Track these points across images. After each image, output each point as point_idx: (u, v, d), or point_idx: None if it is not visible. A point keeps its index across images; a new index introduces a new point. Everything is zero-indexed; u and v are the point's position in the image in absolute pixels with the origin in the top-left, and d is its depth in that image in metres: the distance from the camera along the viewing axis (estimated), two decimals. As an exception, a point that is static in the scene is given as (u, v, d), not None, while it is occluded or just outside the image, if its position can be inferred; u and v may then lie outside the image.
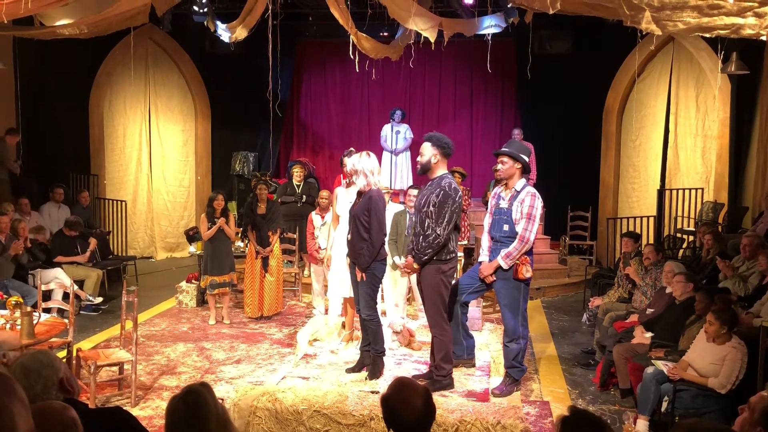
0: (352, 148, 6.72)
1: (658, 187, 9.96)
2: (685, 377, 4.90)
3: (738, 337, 4.84)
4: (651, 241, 9.18)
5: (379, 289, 5.96)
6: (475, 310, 7.21)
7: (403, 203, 7.77)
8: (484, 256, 5.72)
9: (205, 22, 9.00)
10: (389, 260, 6.64)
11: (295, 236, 8.96)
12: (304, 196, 9.65)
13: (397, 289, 7.39)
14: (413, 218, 7.01)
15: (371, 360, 5.73)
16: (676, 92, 9.95)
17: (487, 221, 5.81)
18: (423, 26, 7.09)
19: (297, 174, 9.74)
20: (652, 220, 9.85)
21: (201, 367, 6.38)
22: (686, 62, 9.72)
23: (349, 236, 5.63)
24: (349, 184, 6.54)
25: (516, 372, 5.63)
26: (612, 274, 8.21)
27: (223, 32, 8.76)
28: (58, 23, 6.65)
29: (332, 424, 4.68)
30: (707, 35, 4.37)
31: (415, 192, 7.41)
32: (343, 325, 6.73)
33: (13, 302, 5.45)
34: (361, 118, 12.97)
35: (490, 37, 8.26)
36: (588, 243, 11.05)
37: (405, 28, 8.14)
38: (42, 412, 1.98)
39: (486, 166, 11.70)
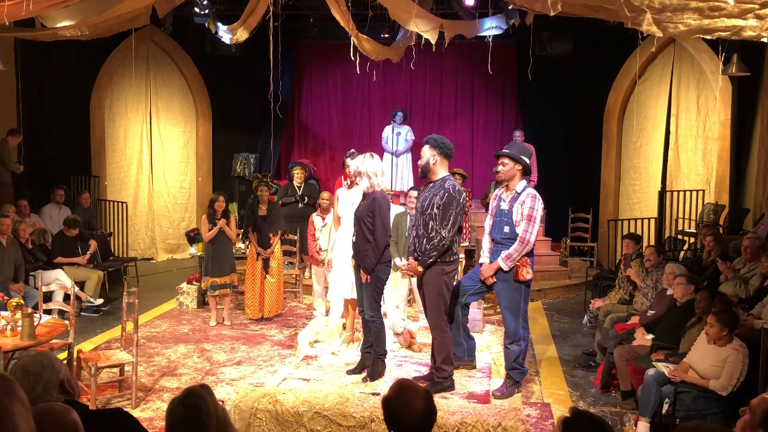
0: (353, 150, 6.74)
1: (659, 189, 9.94)
2: (686, 379, 4.89)
3: (739, 339, 4.83)
4: (652, 242, 9.18)
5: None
6: (475, 311, 7.21)
7: (404, 205, 7.77)
8: (484, 257, 5.72)
9: (206, 24, 9.01)
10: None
11: (296, 238, 8.96)
12: (305, 198, 9.65)
13: (397, 291, 7.39)
14: (414, 220, 7.03)
15: (372, 361, 5.72)
16: (677, 94, 9.95)
17: (487, 223, 5.81)
18: (424, 28, 7.11)
19: (297, 175, 9.74)
20: (653, 221, 9.84)
21: (202, 368, 6.38)
22: (687, 64, 9.72)
23: (354, 238, 5.62)
24: (350, 186, 6.55)
25: (517, 374, 5.63)
26: (613, 276, 8.20)
27: (224, 34, 8.77)
28: (59, 25, 6.65)
29: (333, 425, 4.67)
30: (708, 37, 4.37)
31: (415, 194, 7.41)
32: (344, 327, 6.73)
33: (14, 304, 5.45)
34: (362, 119, 12.97)
35: (491, 39, 8.26)
36: (589, 245, 11.04)
37: (406, 30, 8.15)
38: (43, 414, 1.98)
39: (487, 167, 11.70)
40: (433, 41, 7.24)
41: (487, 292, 5.99)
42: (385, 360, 5.82)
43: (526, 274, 5.44)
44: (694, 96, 9.63)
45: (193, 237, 9.74)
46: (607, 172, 11.36)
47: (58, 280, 7.60)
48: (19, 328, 5.15)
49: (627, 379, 5.63)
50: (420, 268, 5.39)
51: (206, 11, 9.00)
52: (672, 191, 9.70)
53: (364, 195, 5.62)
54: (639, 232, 9.16)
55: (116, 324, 7.56)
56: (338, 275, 6.50)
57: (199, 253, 8.90)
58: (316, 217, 8.21)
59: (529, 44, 8.66)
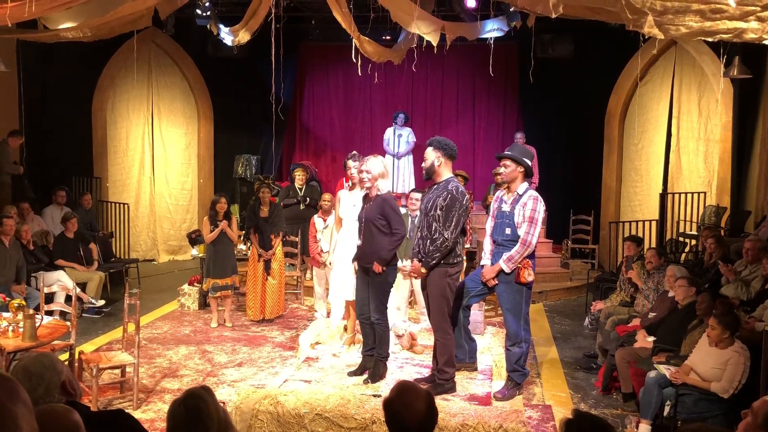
0: (355, 152, 6.74)
1: (661, 191, 9.94)
2: (688, 381, 4.88)
3: (740, 341, 4.83)
4: (653, 245, 9.17)
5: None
6: (477, 313, 7.21)
7: (405, 206, 7.77)
8: (486, 259, 5.72)
9: (208, 26, 9.03)
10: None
11: (297, 239, 8.97)
12: (306, 199, 9.65)
13: (399, 293, 7.38)
14: (415, 221, 7.03)
15: (374, 363, 5.73)
16: (679, 96, 9.95)
17: (489, 224, 5.81)
18: (425, 30, 7.11)
19: (299, 177, 9.74)
20: (654, 223, 9.84)
21: (203, 370, 6.38)
22: (689, 66, 9.72)
23: (360, 242, 5.58)
24: (352, 188, 6.55)
25: (518, 376, 5.62)
26: (614, 278, 8.20)
27: (226, 36, 8.78)
28: (61, 26, 6.66)
29: (334, 427, 4.67)
30: (710, 39, 4.37)
31: (417, 195, 7.42)
32: (345, 329, 6.73)
33: (16, 305, 5.46)
34: (363, 121, 12.97)
35: (492, 41, 8.27)
36: (590, 247, 11.04)
37: (407, 32, 8.15)
38: (45, 416, 1.98)
39: (488, 169, 11.70)
40: (434, 43, 7.24)
41: (488, 294, 5.99)
42: (387, 362, 5.83)
43: (528, 276, 5.43)
44: (696, 98, 9.63)
45: (194, 238, 9.75)
46: (609, 174, 11.36)
47: (60, 281, 7.61)
48: (21, 329, 5.16)
49: (628, 382, 5.62)
50: (423, 270, 5.39)
51: (208, 13, 9.01)
52: (673, 193, 9.69)
53: (366, 197, 5.61)
54: (640, 235, 9.16)
55: (118, 325, 7.56)
56: (340, 277, 6.50)
57: (200, 255, 8.90)
58: (317, 219, 8.21)
59: (531, 46, 8.68)
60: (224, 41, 9.12)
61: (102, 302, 8.40)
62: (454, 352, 5.58)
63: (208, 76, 12.13)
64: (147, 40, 11.13)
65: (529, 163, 5.59)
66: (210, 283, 7.78)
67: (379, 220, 5.47)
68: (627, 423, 5.36)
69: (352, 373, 5.78)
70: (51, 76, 10.22)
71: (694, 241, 8.78)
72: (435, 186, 5.50)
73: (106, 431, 2.57)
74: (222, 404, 2.45)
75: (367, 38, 7.81)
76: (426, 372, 5.96)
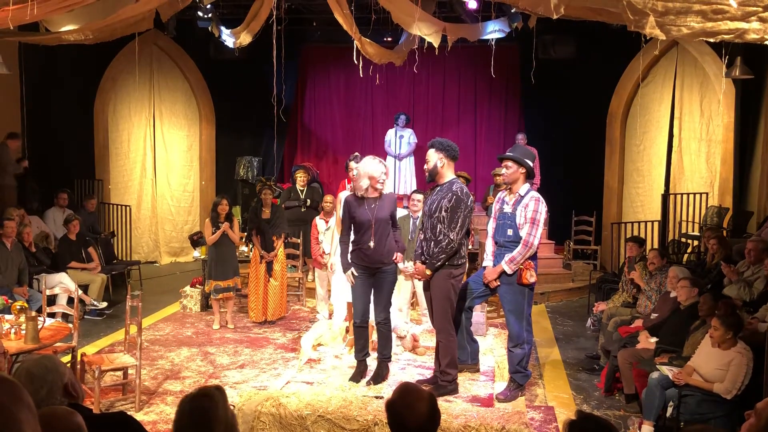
0: (357, 153, 6.74)
1: (663, 192, 9.94)
2: (691, 382, 4.88)
3: (743, 342, 4.82)
4: (655, 245, 9.16)
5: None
6: (479, 314, 7.20)
7: (407, 208, 7.77)
8: (488, 260, 5.71)
9: (210, 28, 9.04)
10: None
11: (299, 241, 8.97)
12: (308, 201, 9.66)
13: (401, 294, 7.38)
14: (417, 223, 7.03)
15: (377, 365, 5.73)
16: (681, 97, 9.94)
17: (491, 226, 5.80)
18: (427, 31, 7.11)
19: (300, 179, 9.74)
20: (656, 224, 9.83)
21: (205, 371, 6.38)
22: (690, 67, 9.72)
23: (372, 243, 5.52)
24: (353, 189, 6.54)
25: (520, 377, 5.62)
26: (616, 279, 8.19)
27: (228, 38, 8.80)
28: (63, 29, 6.68)
29: (336, 429, 4.67)
30: (711, 40, 4.37)
31: (419, 197, 7.41)
32: (347, 330, 6.72)
33: (18, 307, 5.46)
34: (365, 123, 12.98)
35: (493, 42, 8.27)
36: (592, 248, 11.03)
37: (409, 33, 8.16)
38: (48, 418, 1.98)
39: (490, 170, 11.70)
40: (436, 45, 7.24)
41: (490, 295, 5.99)
42: (390, 364, 5.83)
43: (530, 277, 5.43)
44: (698, 99, 9.62)
45: (196, 240, 9.75)
46: (611, 175, 11.36)
47: (62, 283, 7.61)
48: (23, 332, 5.16)
49: (631, 383, 5.62)
50: (428, 271, 5.39)
51: (209, 15, 9.02)
52: (675, 194, 9.69)
53: (372, 198, 5.55)
54: (642, 235, 9.14)
55: (120, 327, 7.56)
56: (341, 278, 6.50)
57: (202, 257, 8.90)
58: (319, 221, 8.21)
59: (532, 47, 8.67)
60: (226, 43, 9.14)
61: (104, 304, 8.40)
62: (456, 354, 5.58)
63: (209, 78, 12.15)
64: (149, 43, 11.14)
65: (531, 164, 5.58)
66: (212, 284, 7.78)
67: (390, 219, 5.53)
68: (630, 424, 5.35)
69: (352, 379, 5.77)
70: (53, 79, 10.23)
71: (696, 242, 8.77)
72: (438, 187, 5.49)
73: (108, 433, 2.57)
74: (232, 407, 2.45)
75: (368, 40, 7.82)
76: (428, 373, 5.96)
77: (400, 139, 11.22)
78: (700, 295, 5.63)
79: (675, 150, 10.02)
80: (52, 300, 6.93)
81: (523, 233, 5.44)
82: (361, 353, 5.81)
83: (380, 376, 5.68)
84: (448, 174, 5.46)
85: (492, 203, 6.09)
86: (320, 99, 13.09)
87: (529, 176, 5.60)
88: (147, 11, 6.63)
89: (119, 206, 11.02)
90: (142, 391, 5.56)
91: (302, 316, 8.48)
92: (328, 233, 7.86)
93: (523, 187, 5.56)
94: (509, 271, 5.45)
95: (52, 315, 6.01)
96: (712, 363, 4.83)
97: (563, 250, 10.88)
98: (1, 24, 5.51)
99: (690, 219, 9.33)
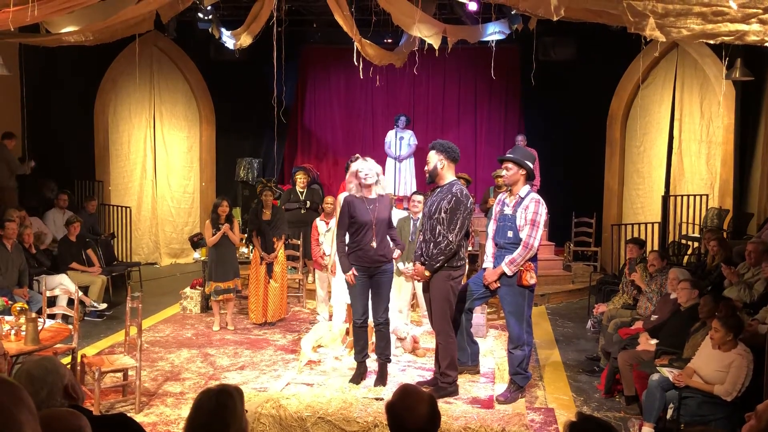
0: (357, 155, 6.73)
1: (663, 194, 9.94)
2: (691, 384, 4.87)
3: (744, 344, 4.82)
4: (656, 247, 9.16)
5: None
6: (479, 316, 7.20)
7: (407, 209, 7.77)
8: (488, 262, 5.71)
9: (210, 29, 9.04)
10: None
11: (299, 242, 8.97)
12: (308, 202, 9.66)
13: (401, 295, 7.38)
14: (417, 224, 7.03)
15: (379, 366, 5.73)
16: (681, 98, 9.94)
17: (491, 227, 5.81)
18: (427, 33, 7.12)
19: (300, 180, 9.74)
20: (656, 226, 9.83)
21: (205, 373, 6.38)
22: (690, 68, 9.72)
23: (374, 243, 5.51)
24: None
25: (520, 379, 5.62)
26: (617, 281, 8.19)
27: (228, 39, 8.80)
28: (63, 30, 6.68)
29: (336, 430, 4.67)
30: (711, 42, 4.37)
31: (419, 198, 7.41)
32: (347, 332, 6.72)
33: (18, 308, 5.46)
34: (365, 124, 12.98)
35: (494, 44, 8.28)
36: (592, 249, 11.03)
37: (409, 35, 8.17)
38: (49, 420, 1.98)
39: (490, 172, 11.71)
40: (436, 46, 7.25)
41: (490, 297, 5.99)
42: (389, 365, 5.83)
43: (530, 278, 5.43)
44: (698, 100, 9.63)
45: (196, 242, 9.74)
46: (611, 177, 11.36)
47: (62, 284, 7.62)
48: (24, 333, 5.16)
49: (631, 384, 5.61)
50: (427, 273, 5.39)
51: (210, 17, 9.03)
52: (675, 196, 9.69)
53: (372, 199, 5.56)
54: (643, 237, 9.14)
55: (120, 329, 7.56)
56: (342, 280, 6.50)
57: (202, 258, 8.90)
58: (319, 222, 8.21)
59: (533, 49, 8.68)
60: (226, 45, 9.14)
61: (104, 305, 8.40)
62: (456, 355, 5.58)
63: (210, 79, 12.15)
64: (149, 44, 11.15)
65: (531, 165, 5.58)
66: (212, 286, 7.78)
67: (389, 220, 5.55)
68: (630, 426, 5.35)
69: (351, 381, 5.77)
70: (53, 80, 10.24)
71: (696, 244, 8.77)
72: (438, 189, 5.50)
73: (108, 435, 2.57)
74: (246, 412, 2.44)
75: (368, 41, 7.82)
76: (428, 375, 5.96)
77: (400, 140, 11.22)
78: (700, 297, 5.62)
79: (675, 151, 10.03)
80: (52, 301, 6.92)
81: (523, 235, 5.44)
82: (361, 354, 5.81)
83: (382, 377, 5.68)
84: (448, 175, 5.47)
85: (492, 205, 6.09)
86: (320, 100, 13.09)
87: (529, 178, 5.61)
88: (147, 13, 6.63)
89: (119, 207, 11.03)
90: (142, 392, 5.56)
91: (302, 318, 8.48)
92: (328, 235, 7.86)
93: (524, 189, 5.56)
94: (509, 273, 5.45)
95: (52, 316, 6.01)
96: (713, 365, 4.82)
97: (563, 251, 10.88)
98: (1, 25, 5.51)
99: (690, 221, 9.33)
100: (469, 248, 8.56)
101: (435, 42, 7.21)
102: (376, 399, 5.17)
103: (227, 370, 6.47)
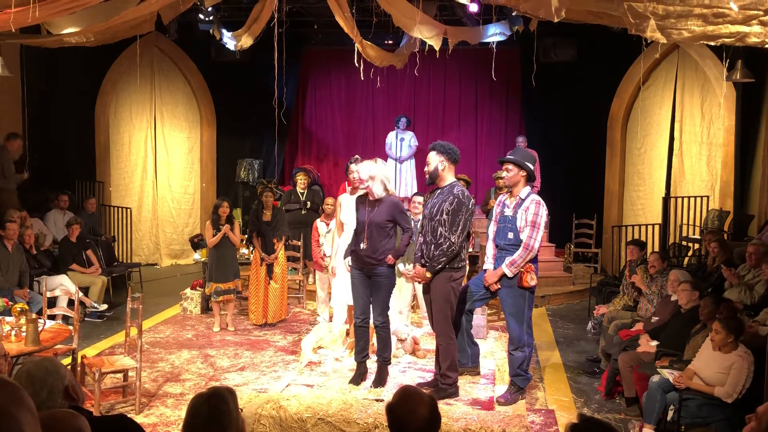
0: (357, 156, 6.74)
1: (663, 195, 9.94)
2: (691, 386, 4.87)
3: (744, 345, 4.81)
4: (656, 249, 9.16)
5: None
6: (479, 317, 7.20)
7: (408, 210, 7.76)
8: (488, 263, 5.71)
9: (211, 31, 9.05)
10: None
11: (299, 243, 8.97)
12: (308, 203, 9.66)
13: (401, 297, 7.38)
14: (418, 225, 7.03)
15: (378, 368, 5.72)
16: (681, 100, 9.95)
17: (491, 229, 5.80)
18: (428, 34, 7.12)
19: (301, 181, 9.74)
20: (657, 227, 9.83)
21: (205, 374, 6.38)
22: (691, 70, 9.72)
23: (364, 245, 5.56)
24: (353, 192, 6.55)
25: (521, 380, 5.61)
26: (617, 282, 8.19)
27: (229, 40, 8.81)
28: (64, 31, 6.69)
29: (337, 432, 4.67)
30: (712, 43, 4.38)
31: (420, 199, 7.41)
32: (348, 333, 6.72)
33: (19, 309, 5.46)
34: (365, 125, 12.99)
35: (494, 45, 8.28)
36: (593, 251, 11.03)
37: (410, 36, 8.17)
38: (50, 421, 1.98)
39: (491, 173, 11.71)
40: (436, 47, 7.25)
41: (491, 298, 5.99)
42: (389, 367, 5.82)
43: (531, 280, 5.43)
44: (698, 102, 9.63)
45: (197, 242, 9.75)
46: (611, 178, 11.36)
47: (63, 285, 7.62)
48: (24, 334, 5.16)
49: (631, 386, 5.61)
50: (428, 274, 5.39)
51: (211, 18, 9.03)
52: (676, 197, 9.69)
53: (372, 201, 5.57)
54: (643, 239, 9.14)
55: (120, 329, 7.56)
56: (342, 281, 6.50)
57: (203, 259, 8.91)
58: (320, 223, 8.21)
59: (533, 50, 8.68)
60: (227, 46, 9.14)
61: (104, 306, 8.40)
62: (456, 357, 5.57)
63: (210, 80, 12.16)
64: (150, 45, 11.15)
65: (532, 167, 5.58)
66: (212, 287, 7.78)
67: (388, 224, 5.47)
68: (630, 428, 5.34)
69: (351, 382, 5.77)
70: (54, 81, 10.25)
71: (697, 245, 8.77)
72: (439, 190, 5.49)
73: (108, 436, 2.57)
74: (240, 410, 2.44)
75: (369, 43, 7.83)
76: (429, 376, 5.95)
77: (401, 141, 11.23)
78: (700, 299, 5.63)
79: (676, 153, 10.03)
80: (52, 302, 6.93)
81: (523, 236, 5.44)
82: (361, 354, 5.81)
83: (380, 379, 5.68)
84: (448, 177, 5.47)
85: (493, 207, 6.09)
86: (321, 101, 13.10)
87: (529, 179, 5.60)
88: (148, 14, 6.64)
89: (120, 208, 11.03)
90: (142, 393, 5.56)
91: (303, 319, 8.48)
92: (328, 236, 7.86)
93: (524, 190, 5.56)
94: (510, 274, 5.45)
95: (52, 317, 6.02)
96: (713, 366, 4.82)
97: (564, 253, 10.88)
98: (2, 26, 5.52)
99: (691, 222, 9.32)
100: (470, 249, 8.57)
101: (436, 43, 7.22)
102: (377, 400, 5.17)
103: (227, 371, 6.46)
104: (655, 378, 5.06)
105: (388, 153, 11.32)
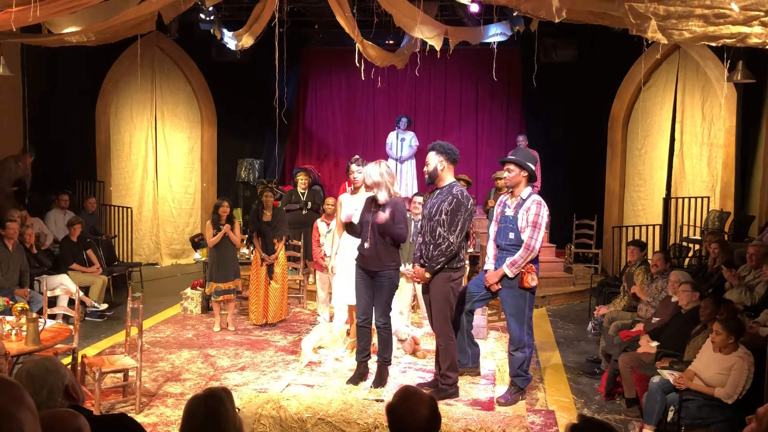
0: (358, 156, 6.74)
1: (664, 196, 9.94)
2: (691, 387, 4.87)
3: (744, 346, 4.81)
4: (657, 249, 9.15)
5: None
6: (480, 318, 7.20)
7: (408, 211, 7.76)
8: (489, 264, 5.71)
9: (212, 30, 9.05)
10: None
11: (300, 243, 8.97)
12: (309, 203, 9.66)
13: (402, 297, 7.37)
14: (418, 225, 7.03)
15: (378, 368, 5.72)
16: (682, 100, 9.94)
17: (492, 229, 5.80)
18: (428, 34, 7.12)
19: (301, 181, 9.75)
20: (657, 228, 9.82)
21: (206, 374, 6.38)
22: (692, 71, 9.72)
23: (367, 245, 5.55)
24: (354, 192, 6.55)
25: (521, 381, 5.61)
26: (617, 283, 8.19)
27: (230, 40, 8.81)
28: (65, 31, 6.69)
29: (337, 432, 4.67)
30: (713, 44, 4.37)
31: (420, 199, 7.42)
32: (348, 333, 6.72)
33: (19, 308, 5.46)
34: (366, 125, 12.99)
35: (495, 46, 8.28)
36: (593, 251, 11.02)
37: (411, 36, 8.17)
38: (50, 420, 1.98)
39: (491, 173, 11.71)
40: (437, 48, 7.25)
41: (491, 299, 5.98)
42: (389, 367, 5.82)
43: (531, 280, 5.43)
44: (699, 103, 9.62)
45: (197, 242, 9.75)
46: (612, 179, 11.36)
47: (63, 285, 7.62)
48: (24, 333, 5.16)
49: (632, 387, 5.61)
50: (427, 275, 5.38)
51: (211, 17, 9.03)
52: (677, 198, 9.68)
53: (377, 203, 5.55)
54: (644, 239, 9.14)
55: (120, 329, 7.56)
56: (342, 281, 6.50)
57: (203, 259, 8.91)
58: (320, 223, 8.21)
59: (534, 51, 8.68)
60: (228, 46, 9.15)
61: (105, 306, 8.40)
62: (456, 357, 5.57)
63: (211, 80, 12.16)
64: (151, 45, 11.15)
65: (533, 167, 5.58)
66: (213, 287, 7.78)
67: (390, 223, 5.48)
68: (630, 428, 5.34)
69: (350, 381, 5.77)
70: (55, 80, 10.25)
71: (697, 246, 8.76)
72: (438, 190, 5.49)
73: (108, 435, 2.57)
74: (238, 410, 2.44)
75: (370, 43, 7.83)
76: (429, 377, 5.95)
77: (402, 141, 11.23)
78: (701, 300, 5.62)
79: (676, 154, 10.03)
80: (53, 301, 6.93)
81: (524, 237, 5.43)
82: (362, 354, 5.81)
83: (380, 379, 5.68)
84: (447, 177, 5.46)
85: (493, 207, 6.08)
86: (322, 101, 13.10)
87: (531, 179, 5.60)
88: (149, 13, 6.64)
89: (121, 208, 11.04)
90: (142, 393, 5.56)
91: (303, 319, 8.48)
92: (329, 236, 7.86)
93: (525, 191, 5.56)
94: (511, 275, 5.44)
95: (52, 316, 6.02)
96: (714, 367, 4.82)
97: (564, 253, 10.88)
98: (3, 25, 5.52)
99: (691, 223, 9.32)
100: (470, 249, 8.56)
101: (436, 43, 7.22)
102: (377, 400, 5.17)
103: (228, 370, 6.46)
104: (655, 379, 5.06)
105: (389, 153, 11.32)
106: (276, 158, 12.02)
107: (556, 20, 4.59)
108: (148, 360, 6.58)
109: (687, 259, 8.89)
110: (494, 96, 12.51)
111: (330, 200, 8.35)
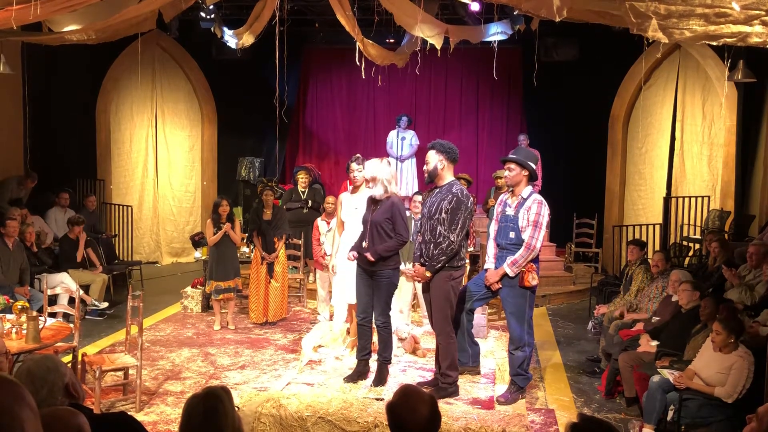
0: (358, 154, 6.74)
1: (664, 195, 9.93)
2: (691, 386, 4.87)
3: (744, 346, 4.81)
4: (657, 248, 9.15)
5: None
6: (480, 317, 7.20)
7: (408, 209, 7.76)
8: (489, 263, 5.71)
9: (212, 29, 9.05)
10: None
11: (300, 242, 8.97)
12: (309, 202, 9.66)
13: (402, 296, 7.38)
14: (419, 224, 7.03)
15: (378, 367, 5.72)
16: (683, 100, 9.94)
17: (493, 228, 5.80)
18: (429, 33, 7.11)
19: (302, 180, 9.74)
20: (658, 227, 9.82)
21: (206, 372, 6.38)
22: (693, 70, 9.71)
23: (365, 244, 5.56)
24: (354, 190, 6.55)
25: (521, 380, 5.61)
26: (618, 282, 8.18)
27: (230, 38, 8.80)
28: (66, 29, 6.69)
29: (337, 430, 4.67)
30: (714, 43, 4.37)
31: (419, 198, 7.42)
32: (348, 332, 6.72)
33: (20, 307, 5.46)
34: (366, 124, 12.98)
35: (496, 44, 8.27)
36: (594, 250, 11.02)
37: (411, 35, 8.16)
38: (50, 419, 1.98)
39: (492, 173, 11.70)
40: (438, 46, 7.24)
41: (492, 298, 5.98)
42: (389, 366, 5.82)
43: (532, 280, 5.43)
44: (700, 102, 9.62)
45: (197, 241, 9.75)
46: (612, 178, 11.35)
47: (63, 283, 7.62)
48: (24, 332, 5.17)
49: (632, 386, 5.61)
50: (428, 273, 5.39)
51: (212, 16, 9.03)
52: (677, 197, 9.68)
53: (376, 201, 5.57)
54: (644, 238, 9.13)
55: (121, 327, 7.55)
56: (343, 280, 6.50)
57: (203, 257, 8.90)
58: (321, 222, 8.21)
59: (535, 50, 8.67)
60: (228, 44, 9.14)
61: (105, 304, 8.40)
62: (457, 356, 5.57)
63: (212, 78, 12.16)
64: (151, 43, 11.15)
65: (534, 166, 5.58)
66: (213, 285, 7.78)
67: (387, 223, 5.47)
68: (630, 428, 5.34)
69: (347, 379, 5.77)
70: (55, 79, 10.25)
71: (697, 245, 8.76)
72: (438, 189, 5.49)
73: (108, 434, 2.57)
74: (237, 409, 2.44)
75: (370, 41, 7.82)
76: (429, 375, 5.95)
77: (402, 140, 11.22)
78: (701, 299, 5.62)
79: (677, 153, 10.02)
80: (53, 300, 6.94)
81: (525, 236, 5.43)
82: (362, 353, 5.81)
83: (380, 378, 5.68)
84: (447, 176, 5.46)
85: (493, 206, 6.08)
86: (322, 100, 13.10)
87: (531, 179, 5.60)
88: (150, 12, 6.64)
89: (121, 206, 11.04)
90: (142, 391, 5.56)
91: (303, 318, 8.48)
92: (329, 234, 7.86)
93: (526, 190, 5.55)
94: (511, 274, 5.45)
95: (53, 315, 6.02)
96: (714, 367, 4.82)
97: (565, 252, 10.88)
98: (4, 24, 5.52)
99: (691, 222, 9.32)
100: (470, 248, 8.56)
101: (437, 42, 7.21)
102: (377, 399, 5.17)
103: (228, 369, 6.47)
104: (655, 378, 5.06)
105: (389, 152, 11.31)
106: (276, 157, 12.01)
107: (557, 19, 4.59)
108: (148, 358, 6.59)
109: (687, 259, 8.89)
110: (495, 95, 12.51)
111: (330, 199, 8.35)
